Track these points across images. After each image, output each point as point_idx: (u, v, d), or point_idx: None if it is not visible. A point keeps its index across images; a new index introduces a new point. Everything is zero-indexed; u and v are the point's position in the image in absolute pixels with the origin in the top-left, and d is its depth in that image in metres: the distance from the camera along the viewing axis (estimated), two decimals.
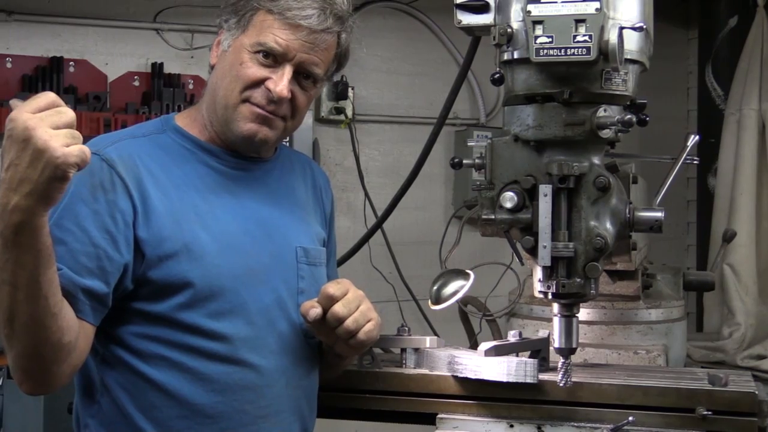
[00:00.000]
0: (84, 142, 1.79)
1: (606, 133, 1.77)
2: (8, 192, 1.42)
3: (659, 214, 1.84)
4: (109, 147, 1.73)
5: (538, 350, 2.05)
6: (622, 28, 1.70)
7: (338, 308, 1.73)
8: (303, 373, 1.86)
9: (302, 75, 1.81)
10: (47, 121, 1.40)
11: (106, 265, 1.65)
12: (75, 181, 1.61)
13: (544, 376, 1.94)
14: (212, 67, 1.86)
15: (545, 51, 1.70)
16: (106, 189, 1.68)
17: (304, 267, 1.89)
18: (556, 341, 1.91)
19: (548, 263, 1.79)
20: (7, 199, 1.42)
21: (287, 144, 4.40)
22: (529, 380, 1.89)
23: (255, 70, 1.77)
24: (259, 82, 1.78)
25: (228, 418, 1.73)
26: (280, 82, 1.77)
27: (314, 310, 1.73)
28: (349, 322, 1.74)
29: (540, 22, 1.70)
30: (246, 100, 1.78)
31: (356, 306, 1.76)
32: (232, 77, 1.79)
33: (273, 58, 1.77)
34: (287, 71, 1.78)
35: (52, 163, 1.39)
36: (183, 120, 1.87)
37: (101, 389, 1.74)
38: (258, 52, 1.77)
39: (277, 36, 1.76)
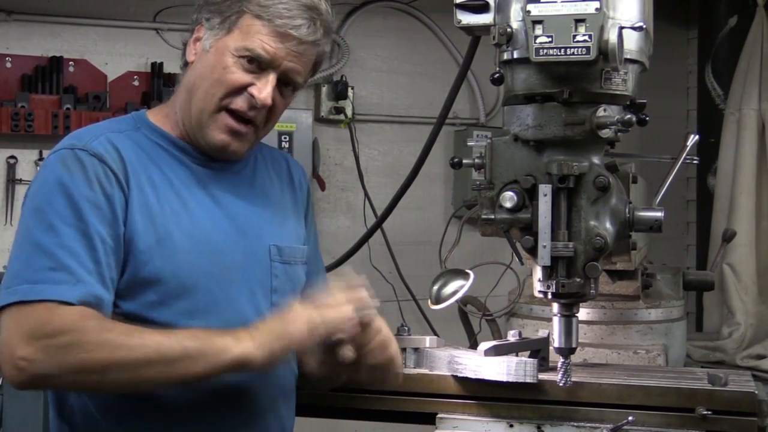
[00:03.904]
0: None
1: (606, 133, 1.77)
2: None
3: (659, 214, 1.84)
4: (93, 142, 1.71)
5: (538, 350, 2.05)
6: (621, 28, 1.70)
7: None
8: (279, 373, 1.83)
9: (283, 82, 1.79)
10: None
11: (113, 262, 1.65)
12: (69, 178, 1.64)
13: (544, 376, 1.94)
14: (186, 64, 1.82)
15: (545, 51, 1.70)
16: (103, 183, 1.66)
17: (278, 265, 1.87)
18: (556, 341, 1.91)
19: (548, 263, 1.79)
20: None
21: (287, 142, 4.45)
22: (528, 380, 1.89)
23: (239, 76, 1.74)
24: (241, 88, 1.75)
25: (204, 418, 1.71)
26: (264, 90, 1.75)
27: (350, 354, 1.70)
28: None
29: (540, 22, 1.70)
30: (225, 107, 1.76)
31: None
32: (213, 81, 1.75)
33: (258, 64, 1.75)
34: (272, 79, 1.76)
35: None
36: (156, 117, 1.85)
37: (73, 394, 1.71)
38: (243, 57, 1.74)
39: (265, 43, 1.73)
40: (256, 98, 1.75)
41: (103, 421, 1.69)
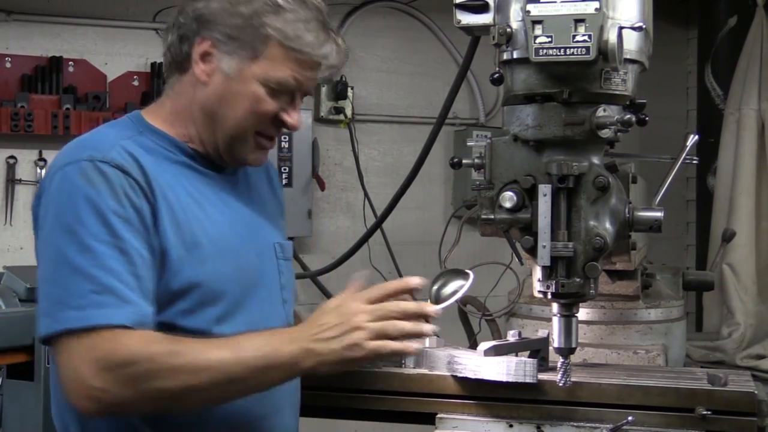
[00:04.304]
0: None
1: (605, 133, 1.77)
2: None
3: (659, 214, 1.84)
4: (111, 152, 1.65)
5: (538, 350, 2.05)
6: (621, 28, 1.70)
7: None
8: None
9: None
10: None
11: (152, 275, 1.62)
12: (95, 193, 1.59)
13: (544, 376, 1.94)
14: (178, 68, 1.77)
15: (544, 51, 1.70)
16: (130, 196, 1.62)
17: (282, 263, 1.89)
18: (556, 341, 1.91)
19: (548, 263, 1.79)
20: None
21: (287, 141, 4.45)
22: (528, 380, 1.89)
23: (272, 107, 1.74)
24: (274, 115, 1.76)
25: (235, 419, 1.72)
26: (295, 115, 1.78)
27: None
28: None
29: (539, 22, 1.70)
30: (256, 132, 1.77)
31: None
32: (244, 110, 1.73)
33: (285, 90, 1.75)
34: (299, 103, 1.78)
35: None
36: (156, 120, 1.80)
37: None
38: (272, 86, 1.73)
39: (296, 73, 1.73)
40: (288, 124, 1.77)
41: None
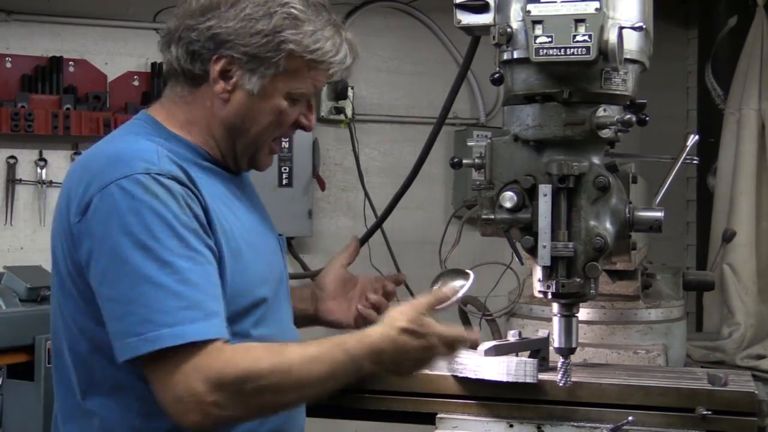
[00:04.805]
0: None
1: (606, 133, 1.77)
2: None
3: (659, 214, 1.84)
4: (164, 164, 1.62)
5: (538, 350, 2.05)
6: (621, 28, 1.70)
7: None
8: None
9: None
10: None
11: (219, 280, 1.63)
12: (161, 205, 1.56)
13: (544, 376, 1.94)
14: (191, 77, 1.73)
15: (545, 51, 1.70)
16: (191, 206, 1.61)
17: (285, 257, 1.96)
18: (556, 341, 1.91)
19: (548, 263, 1.79)
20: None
21: (287, 141, 4.45)
22: (528, 380, 1.89)
23: (294, 116, 1.77)
24: (294, 122, 1.80)
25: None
26: (312, 118, 1.82)
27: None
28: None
29: (540, 22, 1.70)
30: (274, 138, 1.81)
31: None
32: (269, 124, 1.75)
33: (304, 96, 1.78)
34: (313, 104, 1.82)
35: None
36: (175, 128, 1.76)
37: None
38: (293, 95, 1.75)
39: (316, 81, 1.76)
40: (307, 127, 1.82)
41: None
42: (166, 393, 1.54)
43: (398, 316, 1.69)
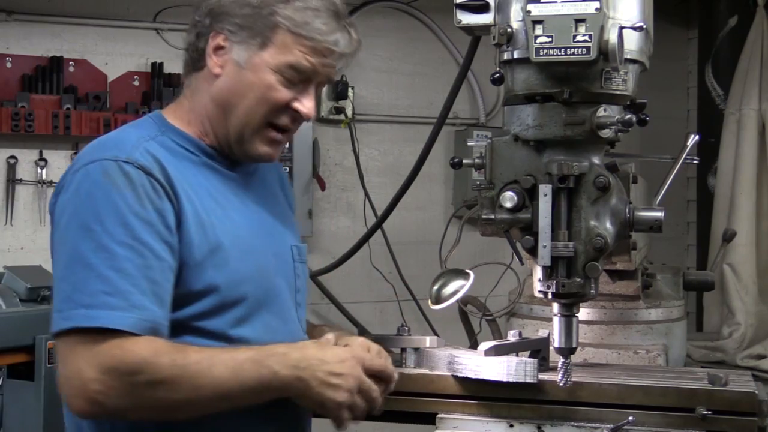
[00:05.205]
0: (86, 143, 1.77)
1: (606, 133, 1.77)
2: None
3: (659, 214, 1.84)
4: (135, 153, 1.64)
5: (538, 350, 2.05)
6: (621, 28, 1.70)
7: None
8: None
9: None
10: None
11: (170, 278, 1.62)
12: (117, 193, 1.58)
13: (544, 376, 1.94)
14: (196, 67, 1.78)
15: (545, 51, 1.70)
16: (152, 198, 1.62)
17: (299, 265, 1.90)
18: (556, 341, 1.91)
19: (548, 263, 1.79)
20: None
21: (288, 143, 4.45)
22: (529, 380, 1.89)
23: (284, 94, 1.73)
24: (286, 104, 1.75)
25: (247, 418, 1.71)
26: (309, 104, 1.76)
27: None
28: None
29: (540, 22, 1.70)
30: (269, 123, 1.76)
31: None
32: (258, 99, 1.73)
33: (299, 77, 1.74)
34: (313, 91, 1.76)
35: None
36: (176, 121, 1.80)
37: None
38: (284, 73, 1.72)
39: (307, 56, 1.72)
40: (301, 113, 1.76)
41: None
42: (61, 373, 1.56)
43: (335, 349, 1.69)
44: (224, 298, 1.68)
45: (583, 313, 2.24)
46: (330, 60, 1.75)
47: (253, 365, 1.59)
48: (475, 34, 1.98)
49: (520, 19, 1.75)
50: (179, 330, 1.64)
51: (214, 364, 1.57)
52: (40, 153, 4.10)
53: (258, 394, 1.61)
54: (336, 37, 1.73)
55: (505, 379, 1.90)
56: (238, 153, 1.79)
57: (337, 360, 1.64)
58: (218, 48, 1.74)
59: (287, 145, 4.43)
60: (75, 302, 1.54)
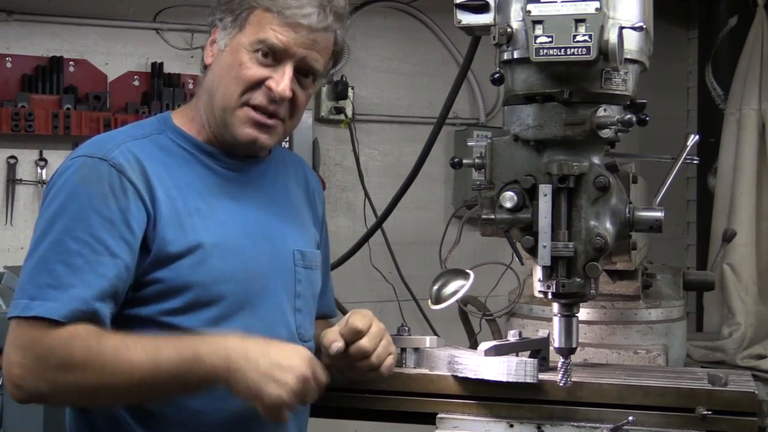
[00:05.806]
0: (83, 142, 1.79)
1: (606, 133, 1.77)
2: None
3: (659, 214, 1.84)
4: (114, 151, 1.68)
5: (538, 350, 2.05)
6: (621, 28, 1.70)
7: (365, 343, 1.77)
8: None
9: (301, 73, 1.78)
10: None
11: (123, 275, 1.63)
12: (83, 189, 1.62)
13: (544, 376, 1.94)
14: (206, 67, 1.82)
15: (545, 51, 1.70)
16: (118, 196, 1.64)
17: (301, 270, 1.88)
18: (556, 341, 1.91)
19: (548, 263, 1.79)
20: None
21: (286, 142, 4.45)
22: (529, 380, 1.89)
23: (255, 71, 1.73)
24: (259, 83, 1.74)
25: (228, 424, 1.71)
26: (282, 82, 1.73)
27: (337, 344, 1.76)
28: (373, 358, 1.78)
29: (540, 22, 1.70)
30: (245, 103, 1.75)
31: (379, 340, 1.80)
32: (231, 79, 1.74)
33: (273, 56, 1.73)
34: (288, 70, 1.74)
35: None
36: (181, 119, 1.83)
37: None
38: (257, 50, 1.73)
39: (277, 32, 1.72)
40: (274, 91, 1.73)
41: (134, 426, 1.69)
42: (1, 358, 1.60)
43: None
44: (198, 296, 1.68)
45: (583, 313, 2.24)
46: (302, 36, 1.73)
47: (174, 349, 1.57)
48: (475, 34, 1.98)
49: (520, 19, 1.75)
50: (149, 325, 1.66)
51: (131, 348, 1.57)
52: (40, 153, 4.10)
53: (182, 381, 1.58)
54: (306, 11, 1.73)
55: (505, 379, 1.89)
56: (230, 141, 1.79)
57: (284, 356, 1.60)
58: (213, 41, 1.80)
59: (287, 145, 4.42)
60: (23, 292, 1.60)
